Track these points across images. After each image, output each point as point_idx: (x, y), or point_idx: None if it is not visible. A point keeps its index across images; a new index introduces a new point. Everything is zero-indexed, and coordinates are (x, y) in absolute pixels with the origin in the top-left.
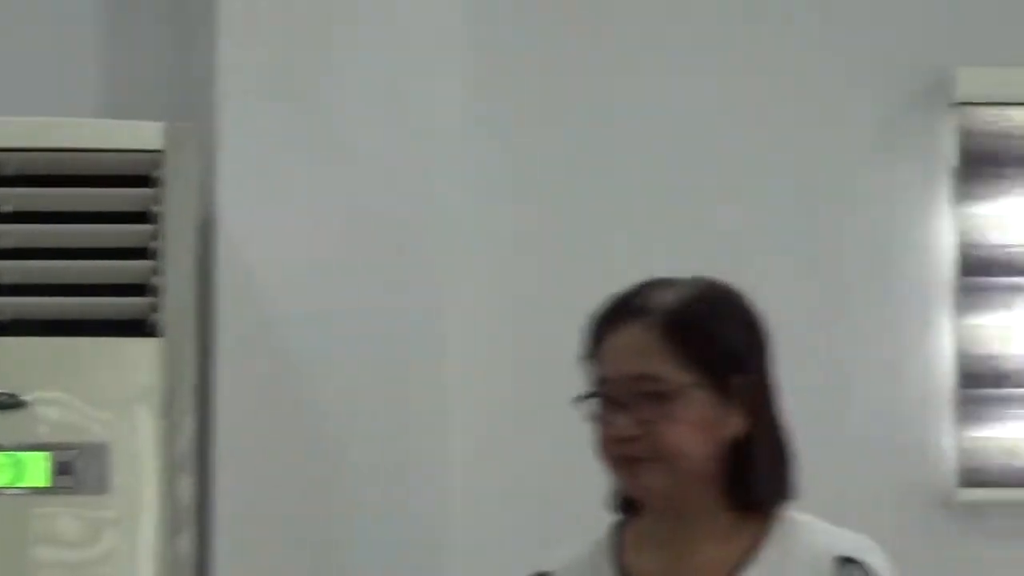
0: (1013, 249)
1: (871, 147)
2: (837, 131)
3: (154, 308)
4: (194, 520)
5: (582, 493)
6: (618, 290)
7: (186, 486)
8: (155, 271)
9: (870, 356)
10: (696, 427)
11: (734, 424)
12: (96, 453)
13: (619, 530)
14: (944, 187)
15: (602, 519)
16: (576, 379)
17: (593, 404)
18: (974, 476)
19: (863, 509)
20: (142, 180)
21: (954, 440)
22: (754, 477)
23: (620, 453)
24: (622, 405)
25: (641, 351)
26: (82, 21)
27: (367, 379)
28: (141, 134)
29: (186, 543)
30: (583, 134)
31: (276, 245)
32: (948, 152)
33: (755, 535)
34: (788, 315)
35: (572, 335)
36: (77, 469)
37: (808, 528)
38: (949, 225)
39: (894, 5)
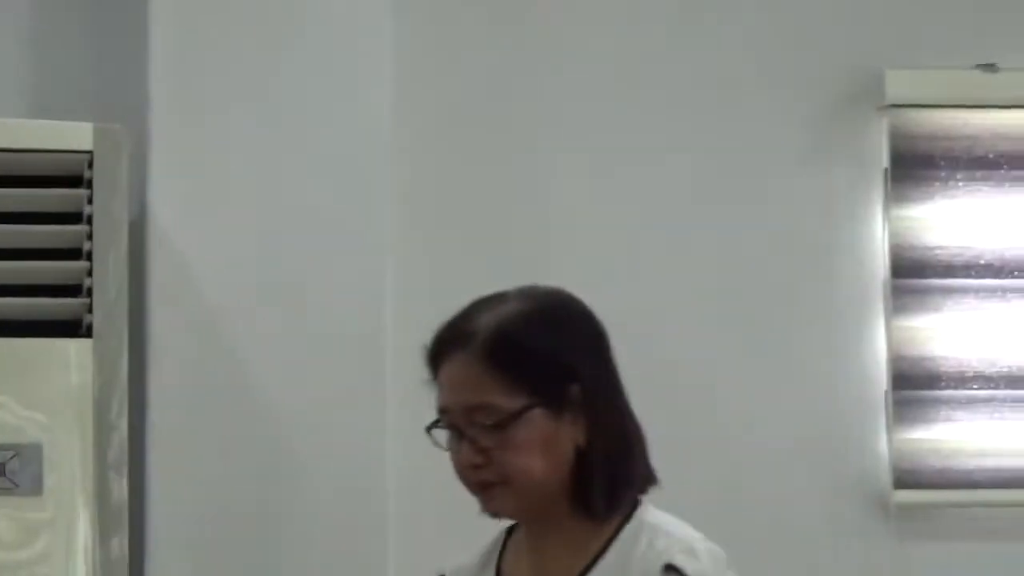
0: (945, 251)
1: (802, 150)
2: (768, 134)
3: (87, 309)
4: (128, 520)
5: None
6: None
7: (120, 486)
8: (88, 272)
9: (804, 358)
10: (537, 447)
11: (576, 433)
12: (30, 454)
13: (506, 535)
14: (876, 189)
15: None
16: None
17: (440, 432)
18: (908, 478)
19: (798, 511)
20: (72, 181)
21: (888, 442)
22: (595, 482)
23: (471, 479)
24: (464, 434)
25: (470, 382)
26: (10, 20)
27: (302, 377)
28: (71, 135)
29: (120, 543)
30: (512, 130)
31: (208, 244)
32: (880, 154)
33: (604, 541)
34: (720, 317)
35: None
36: (11, 470)
37: (652, 531)
38: (881, 227)
39: (823, 8)
